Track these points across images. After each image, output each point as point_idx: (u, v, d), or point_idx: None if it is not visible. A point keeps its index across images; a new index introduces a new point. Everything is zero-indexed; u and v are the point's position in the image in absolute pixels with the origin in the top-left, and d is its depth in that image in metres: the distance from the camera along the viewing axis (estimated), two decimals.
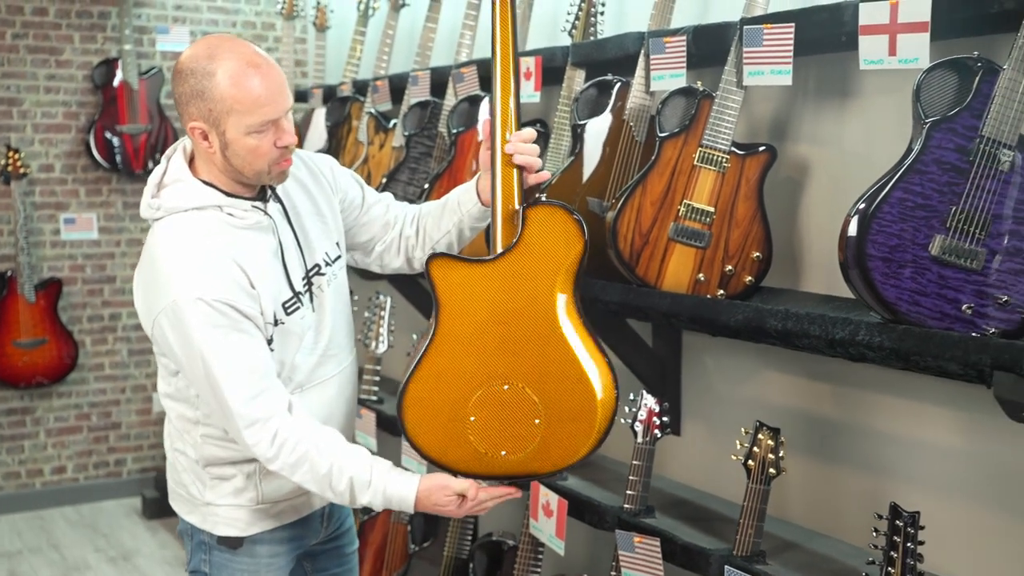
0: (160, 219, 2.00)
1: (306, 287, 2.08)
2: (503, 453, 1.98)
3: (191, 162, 2.04)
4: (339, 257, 2.18)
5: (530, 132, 2.06)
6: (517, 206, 2.04)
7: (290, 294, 2.04)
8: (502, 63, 2.05)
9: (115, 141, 5.16)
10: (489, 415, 1.98)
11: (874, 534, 1.93)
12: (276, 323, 2.01)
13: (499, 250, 2.02)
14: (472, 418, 1.98)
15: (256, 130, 1.91)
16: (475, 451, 1.99)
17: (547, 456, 2.00)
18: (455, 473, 2.01)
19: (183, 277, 1.91)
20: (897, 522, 1.89)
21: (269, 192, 2.06)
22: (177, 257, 1.94)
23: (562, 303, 1.99)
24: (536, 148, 2.05)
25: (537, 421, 1.98)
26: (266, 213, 2.03)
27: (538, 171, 2.09)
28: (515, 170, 2.05)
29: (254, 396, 1.93)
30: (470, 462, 2.00)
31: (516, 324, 1.98)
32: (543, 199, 2.11)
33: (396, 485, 1.97)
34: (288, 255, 2.05)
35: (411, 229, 2.29)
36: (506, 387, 1.97)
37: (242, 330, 1.93)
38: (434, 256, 2.01)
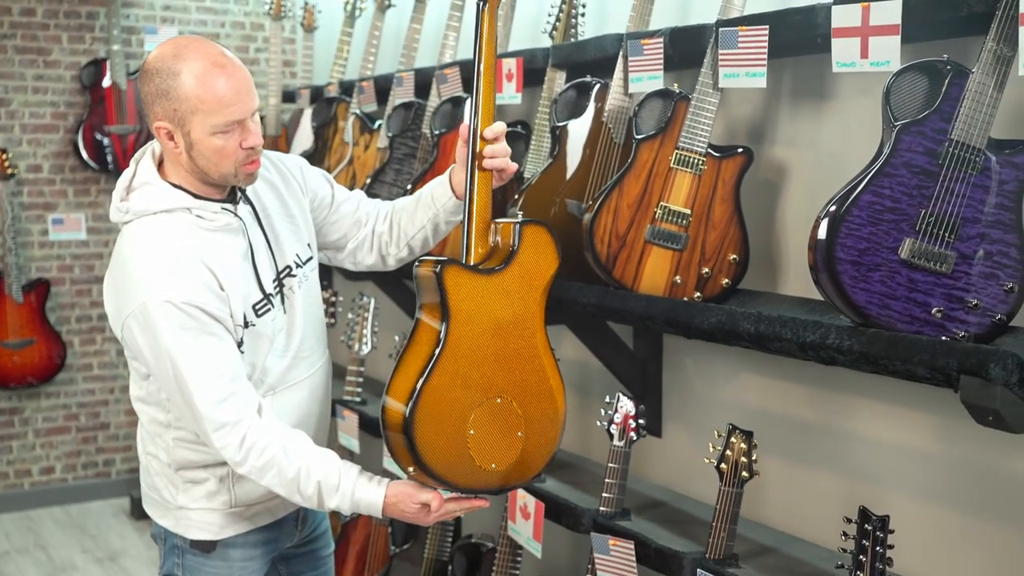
0: (129, 222, 2.00)
1: (277, 289, 2.08)
2: (493, 466, 1.97)
3: (160, 165, 2.04)
4: (311, 259, 2.18)
5: (500, 126, 2.03)
6: (483, 206, 2.04)
7: (260, 296, 2.04)
8: (482, 66, 2.04)
9: (104, 141, 5.15)
10: (484, 429, 1.96)
11: (843, 538, 1.93)
12: (246, 325, 2.01)
13: (472, 251, 2.02)
14: (471, 432, 1.95)
15: (221, 130, 1.91)
16: (473, 466, 1.95)
17: (524, 468, 2.01)
18: (460, 491, 1.99)
19: (152, 280, 1.91)
20: (866, 526, 1.89)
21: (239, 194, 2.06)
22: (146, 260, 1.93)
23: (540, 321, 2.02)
24: (506, 149, 2.04)
25: (520, 434, 1.98)
26: (236, 215, 2.02)
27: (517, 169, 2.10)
28: (486, 173, 2.05)
29: (223, 399, 1.92)
30: (469, 477, 1.96)
31: (508, 338, 1.98)
32: (521, 216, 2.10)
33: (364, 490, 1.97)
34: (258, 257, 2.05)
35: (384, 225, 2.29)
36: (499, 400, 1.97)
37: (211, 332, 1.93)
38: (448, 263, 1.94)
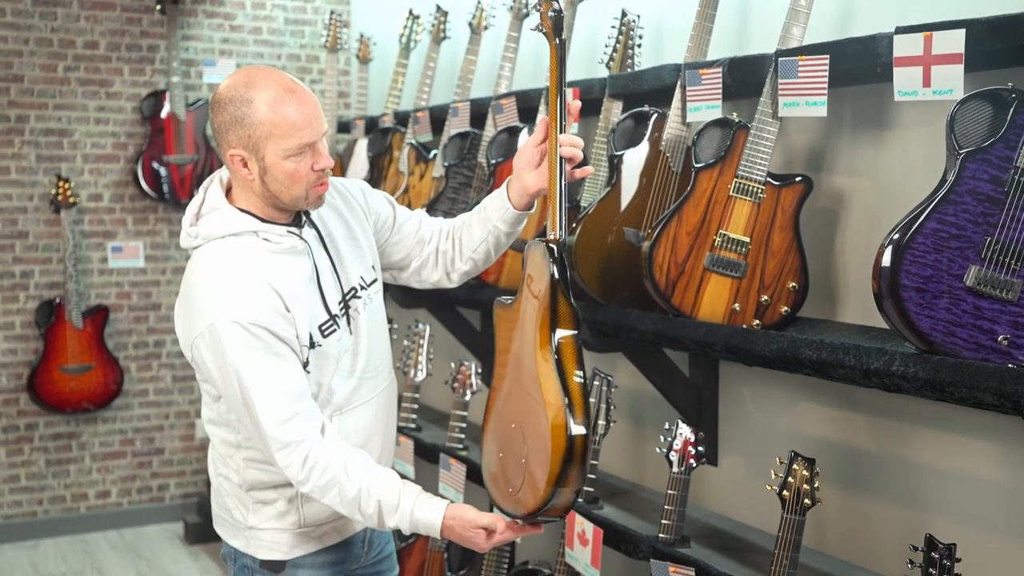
0: (198, 247, 2.06)
1: (343, 310, 2.12)
2: (509, 490, 2.00)
3: (228, 192, 2.10)
4: (375, 281, 2.22)
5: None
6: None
7: (326, 317, 2.08)
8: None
9: (162, 171, 5.26)
10: (506, 453, 2.01)
11: (909, 566, 1.92)
12: (312, 345, 2.05)
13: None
14: (500, 455, 2.02)
15: (294, 153, 1.97)
16: (506, 490, 2.00)
17: (531, 493, 1.94)
18: (511, 515, 2.01)
19: (220, 301, 1.96)
20: (933, 554, 1.88)
21: (304, 218, 2.11)
22: (214, 282, 1.99)
23: (538, 343, 1.95)
24: (580, 141, 2.07)
25: (523, 460, 1.96)
26: (301, 238, 2.08)
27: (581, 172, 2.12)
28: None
29: (287, 419, 1.96)
30: (507, 500, 2.01)
31: (518, 366, 2.00)
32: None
33: (423, 510, 2.00)
34: (324, 279, 2.10)
35: (447, 243, 2.33)
36: (513, 426, 2.00)
37: (277, 353, 1.97)
38: (496, 304, 2.08)
